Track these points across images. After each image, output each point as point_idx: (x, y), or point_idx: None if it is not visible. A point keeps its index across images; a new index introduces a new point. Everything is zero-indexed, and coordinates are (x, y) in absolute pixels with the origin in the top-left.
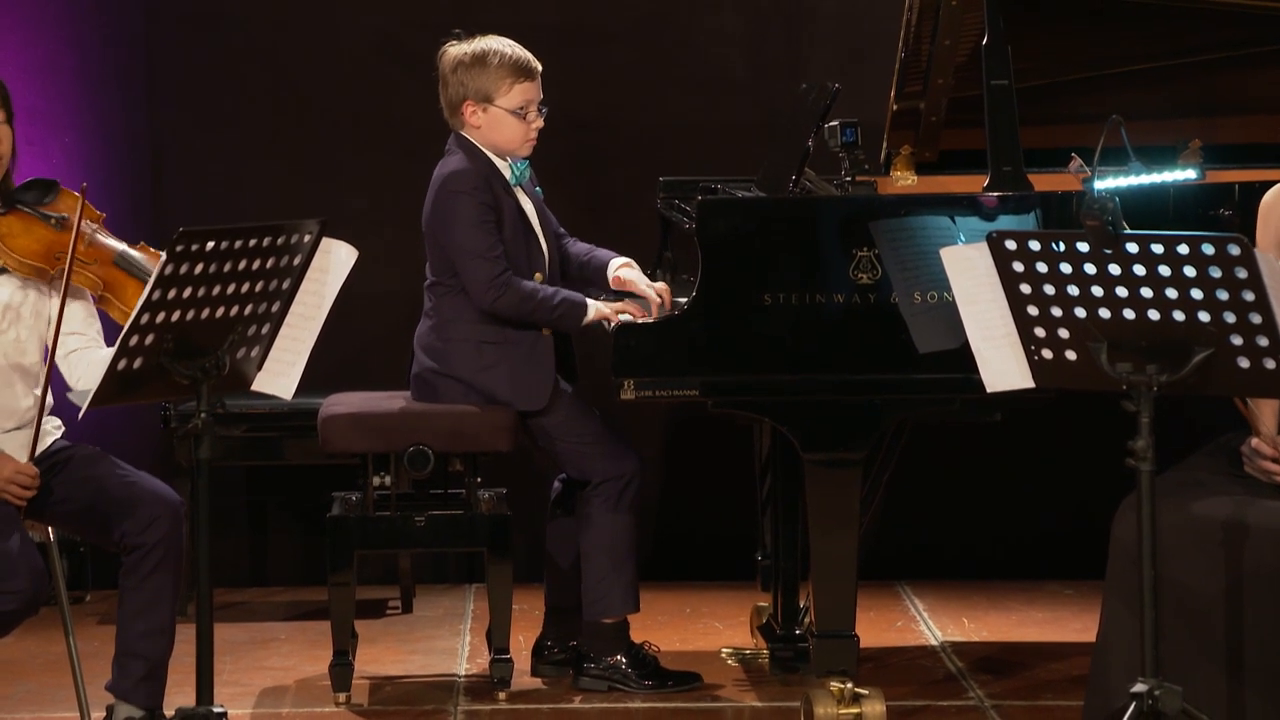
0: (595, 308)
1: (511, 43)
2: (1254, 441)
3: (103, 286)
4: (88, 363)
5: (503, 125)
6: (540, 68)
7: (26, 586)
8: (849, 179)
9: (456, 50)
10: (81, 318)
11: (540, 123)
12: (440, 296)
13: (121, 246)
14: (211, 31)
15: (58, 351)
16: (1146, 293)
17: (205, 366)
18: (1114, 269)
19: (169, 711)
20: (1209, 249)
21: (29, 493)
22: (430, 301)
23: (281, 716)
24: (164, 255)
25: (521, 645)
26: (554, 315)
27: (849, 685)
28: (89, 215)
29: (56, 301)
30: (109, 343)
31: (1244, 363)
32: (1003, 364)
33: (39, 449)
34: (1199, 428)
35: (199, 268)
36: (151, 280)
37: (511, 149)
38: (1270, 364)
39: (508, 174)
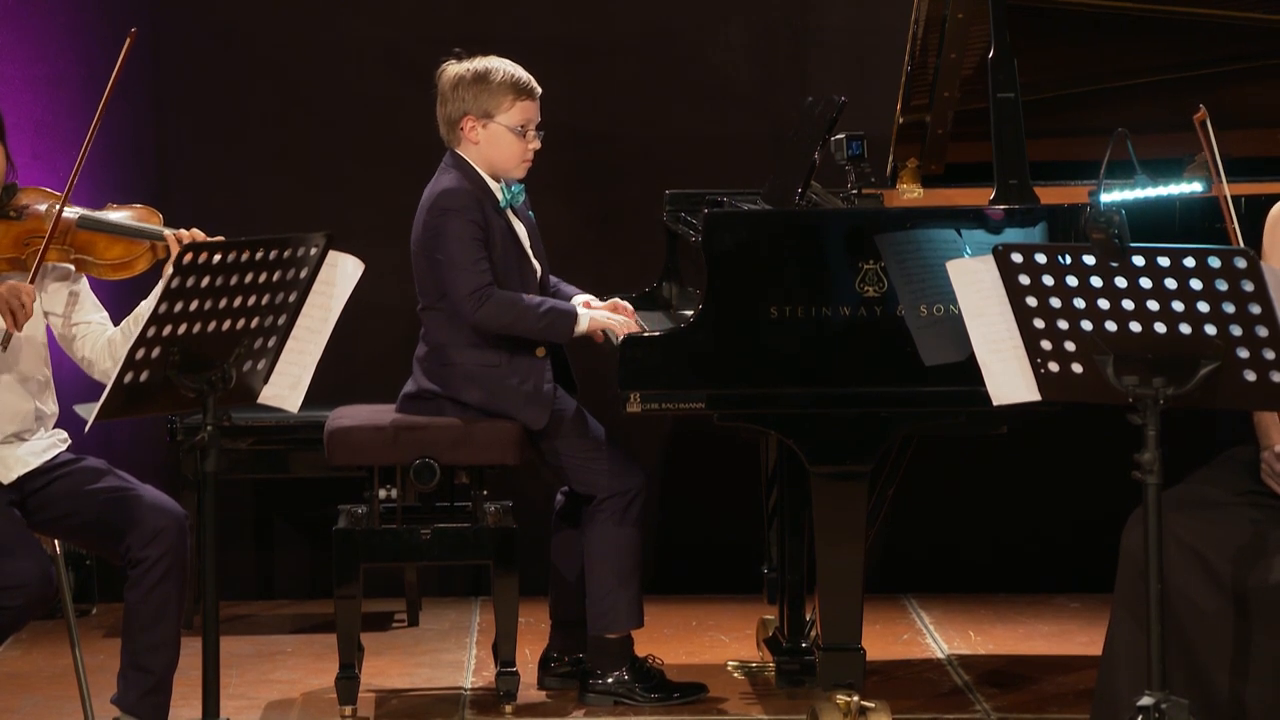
0: (589, 318)
1: (513, 63)
2: (1279, 448)
3: (74, 252)
4: (108, 342)
5: (501, 142)
6: (540, 90)
7: (34, 582)
8: (855, 192)
9: (457, 68)
10: (86, 307)
11: (537, 144)
12: (431, 322)
13: (82, 211)
14: (218, 45)
15: (75, 349)
16: (1153, 306)
17: (211, 379)
18: (1120, 282)
19: None
20: (1215, 262)
21: (25, 312)
22: (424, 326)
23: None
24: (171, 268)
25: (528, 658)
26: (540, 324)
27: (855, 698)
28: (48, 197)
29: (48, 298)
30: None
31: (1250, 376)
32: (1009, 377)
33: (43, 461)
34: (1201, 440)
35: (205, 281)
36: (158, 293)
37: (508, 168)
38: (1277, 377)
39: (500, 196)
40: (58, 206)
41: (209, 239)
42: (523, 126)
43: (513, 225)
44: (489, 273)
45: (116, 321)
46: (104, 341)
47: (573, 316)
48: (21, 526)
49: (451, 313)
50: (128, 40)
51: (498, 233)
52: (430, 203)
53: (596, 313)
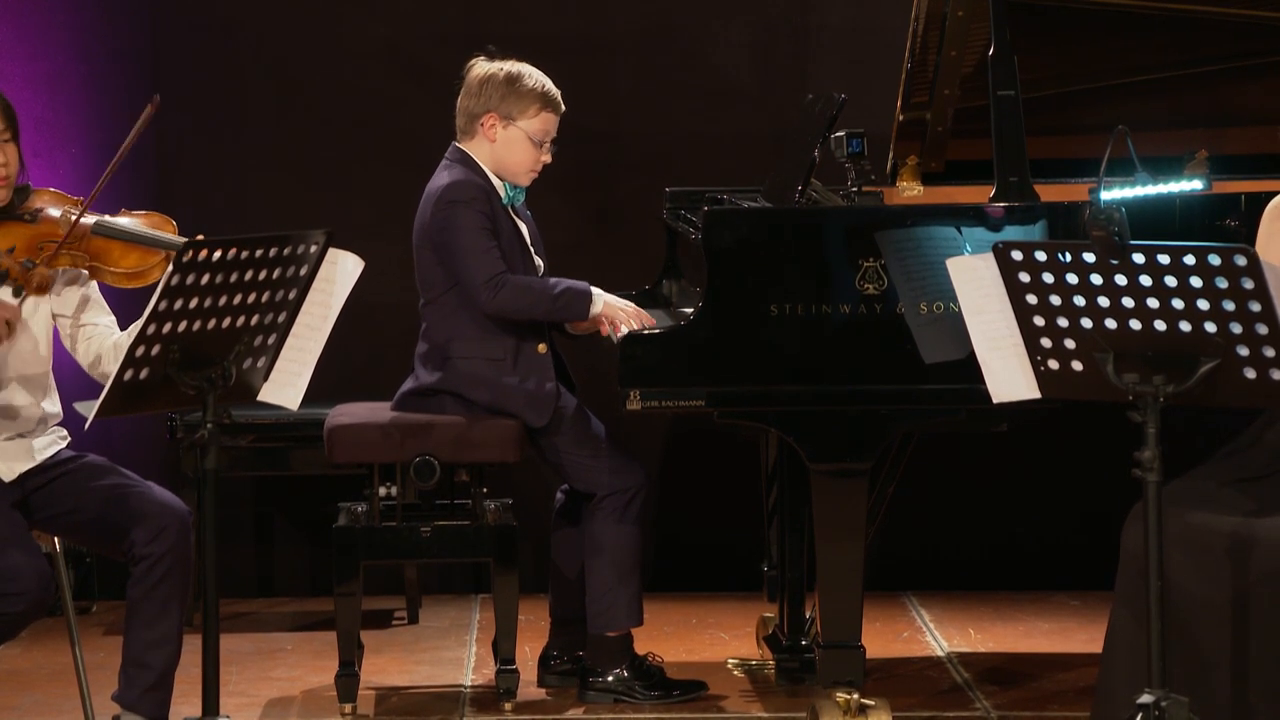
0: (604, 300)
1: (543, 73)
2: None
3: (88, 259)
4: (113, 344)
5: (516, 146)
6: (564, 108)
7: (33, 588)
8: (855, 189)
9: (489, 65)
10: (95, 309)
11: (548, 158)
12: (433, 316)
13: (97, 217)
14: (218, 43)
15: (80, 350)
16: (1153, 303)
17: (211, 377)
18: (1120, 279)
19: None
20: (1215, 259)
21: (8, 334)
22: (425, 322)
23: None
24: (170, 266)
25: (528, 656)
26: (556, 304)
27: (855, 696)
28: (62, 201)
29: (59, 300)
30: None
31: (1250, 373)
32: (1009, 374)
33: (44, 458)
34: (1201, 438)
35: (205, 278)
36: (158, 291)
37: (515, 173)
38: (1276, 374)
39: (503, 193)
40: (74, 214)
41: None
42: (541, 137)
43: (516, 223)
44: (501, 260)
45: (124, 327)
46: (110, 345)
47: (588, 296)
48: (22, 530)
49: (454, 307)
50: (149, 108)
51: (503, 228)
52: (438, 195)
53: (611, 297)
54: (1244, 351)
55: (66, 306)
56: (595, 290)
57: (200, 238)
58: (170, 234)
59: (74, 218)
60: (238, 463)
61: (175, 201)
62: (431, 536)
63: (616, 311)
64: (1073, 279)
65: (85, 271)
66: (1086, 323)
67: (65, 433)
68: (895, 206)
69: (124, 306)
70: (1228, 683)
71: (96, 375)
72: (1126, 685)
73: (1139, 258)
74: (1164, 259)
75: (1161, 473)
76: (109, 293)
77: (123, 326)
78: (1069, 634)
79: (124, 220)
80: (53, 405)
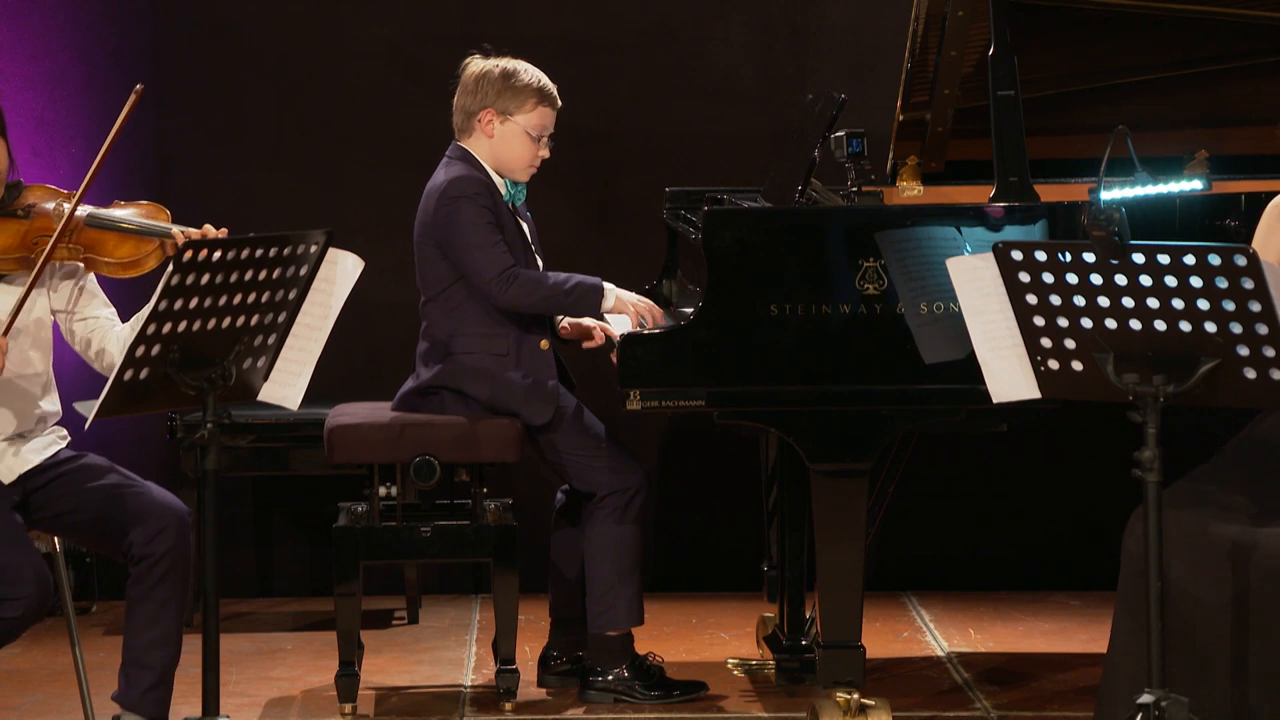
0: (616, 295)
1: (539, 70)
2: None
3: (82, 250)
4: (115, 337)
5: (514, 142)
6: (560, 104)
7: (33, 592)
8: (855, 189)
9: (484, 63)
10: (94, 302)
11: (546, 153)
12: (435, 313)
13: (90, 209)
14: (219, 43)
15: (81, 344)
16: (1153, 303)
17: (211, 377)
18: (1120, 279)
19: None
20: (1215, 259)
21: None
22: (426, 320)
23: None
24: (170, 266)
25: (528, 656)
26: (569, 299)
27: (855, 696)
28: (55, 196)
29: (57, 296)
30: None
31: (1250, 373)
32: (1009, 375)
33: (43, 458)
34: (1201, 437)
35: (205, 278)
36: (158, 291)
37: (514, 169)
38: (1277, 374)
39: (503, 190)
40: (67, 206)
41: (216, 235)
42: (538, 132)
43: (518, 221)
44: (508, 254)
45: (125, 319)
46: (113, 337)
47: (599, 290)
48: (21, 533)
49: (456, 303)
50: (132, 96)
51: (506, 225)
52: (441, 190)
53: (624, 292)
54: (1244, 351)
55: (65, 301)
56: (608, 285)
57: (201, 233)
58: (164, 221)
59: (66, 211)
60: (238, 463)
61: (175, 202)
62: (431, 536)
63: (628, 306)
64: (1073, 279)
65: (82, 264)
66: (1086, 323)
67: (65, 432)
68: (895, 206)
69: (121, 300)
70: (1228, 683)
71: (100, 368)
72: (1128, 686)
73: (1139, 258)
74: (1164, 259)
75: (1161, 473)
76: (108, 285)
77: (123, 319)
78: (1069, 634)
79: (117, 211)
80: (52, 405)
